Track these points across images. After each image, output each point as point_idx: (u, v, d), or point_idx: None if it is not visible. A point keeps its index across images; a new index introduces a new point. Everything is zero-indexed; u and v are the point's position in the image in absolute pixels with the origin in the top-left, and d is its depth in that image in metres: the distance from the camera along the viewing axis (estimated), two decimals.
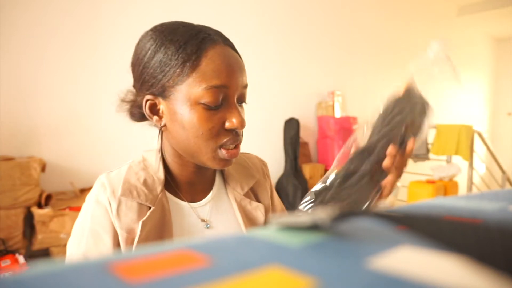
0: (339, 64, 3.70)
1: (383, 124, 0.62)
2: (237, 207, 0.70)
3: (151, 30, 0.62)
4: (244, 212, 0.70)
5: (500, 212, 0.27)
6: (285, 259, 0.16)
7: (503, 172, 3.75)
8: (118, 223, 0.60)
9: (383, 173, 0.62)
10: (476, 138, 3.34)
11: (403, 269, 0.15)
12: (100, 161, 2.26)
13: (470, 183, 3.36)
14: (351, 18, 3.78)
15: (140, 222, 0.60)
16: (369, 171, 0.61)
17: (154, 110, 0.63)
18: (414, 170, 3.65)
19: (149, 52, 0.60)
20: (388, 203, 0.63)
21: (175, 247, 0.18)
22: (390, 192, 0.63)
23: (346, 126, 3.23)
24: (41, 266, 0.15)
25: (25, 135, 2.10)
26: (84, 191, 2.12)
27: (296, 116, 3.22)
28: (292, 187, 2.99)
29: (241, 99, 0.64)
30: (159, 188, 0.65)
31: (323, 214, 0.20)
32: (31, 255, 1.94)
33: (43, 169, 2.04)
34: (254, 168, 0.78)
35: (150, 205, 0.62)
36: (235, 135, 0.62)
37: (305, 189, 3.00)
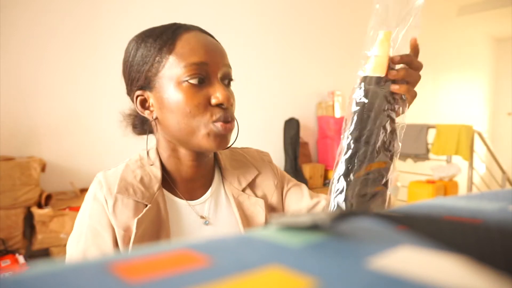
0: (339, 64, 3.70)
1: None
2: (235, 203, 0.70)
3: (133, 37, 0.67)
4: (242, 208, 0.70)
5: (500, 212, 0.27)
6: (285, 259, 0.16)
7: (503, 172, 3.75)
8: (114, 221, 0.61)
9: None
10: (476, 138, 3.34)
11: (403, 269, 0.15)
12: (100, 161, 2.26)
13: (470, 183, 3.36)
14: (351, 18, 3.78)
15: (136, 220, 0.60)
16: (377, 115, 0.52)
17: (144, 105, 0.66)
18: (414, 170, 3.65)
19: (132, 51, 0.64)
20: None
21: (175, 247, 0.18)
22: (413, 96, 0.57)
23: None
24: (41, 266, 0.15)
25: (25, 135, 2.10)
26: (84, 191, 2.12)
27: (296, 116, 3.22)
28: None
29: (227, 78, 0.65)
30: (155, 186, 0.65)
31: (323, 214, 0.20)
32: (31, 255, 1.94)
33: (43, 169, 2.04)
34: (253, 162, 0.77)
35: (146, 203, 0.63)
36: (225, 111, 0.62)
37: None
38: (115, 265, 0.15)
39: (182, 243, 0.19)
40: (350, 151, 0.51)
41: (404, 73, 0.55)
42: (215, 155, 0.75)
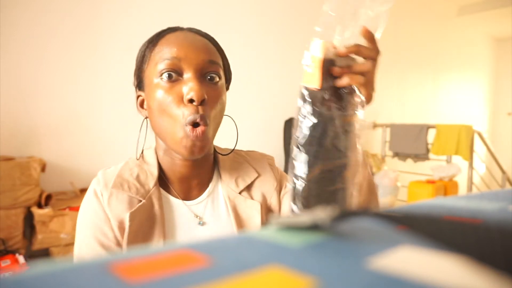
0: None
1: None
2: (230, 205, 0.69)
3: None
4: (237, 211, 0.69)
5: (500, 212, 0.27)
6: (285, 259, 0.16)
7: (503, 172, 3.75)
8: (110, 213, 0.62)
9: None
10: (476, 138, 3.34)
11: (403, 269, 0.15)
12: (100, 161, 2.26)
13: (470, 183, 3.36)
14: None
15: (128, 214, 0.62)
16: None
17: (142, 104, 0.68)
18: (414, 170, 3.65)
19: (138, 56, 0.67)
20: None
21: (175, 247, 0.18)
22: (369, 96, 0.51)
23: None
24: (41, 266, 0.15)
25: (25, 135, 2.10)
26: (84, 191, 2.12)
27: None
28: None
29: (207, 73, 0.62)
30: (151, 183, 0.66)
31: (323, 214, 0.20)
32: (31, 255, 1.94)
33: (43, 169, 2.04)
34: (254, 164, 0.76)
35: (140, 199, 0.64)
36: (196, 110, 0.59)
37: None
38: (115, 265, 0.15)
39: (182, 243, 0.19)
40: (300, 155, 0.50)
41: (350, 66, 0.49)
42: (215, 156, 0.75)
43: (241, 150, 0.79)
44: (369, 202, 0.60)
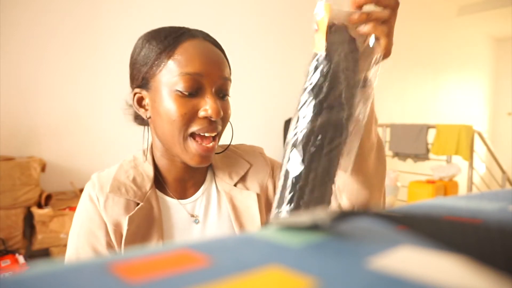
0: None
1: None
2: (227, 198, 0.70)
3: (144, 33, 0.67)
4: (234, 203, 0.70)
5: (500, 212, 0.27)
6: (285, 259, 0.16)
7: (503, 172, 3.74)
8: (106, 216, 0.62)
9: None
10: (476, 138, 3.34)
11: (403, 269, 0.15)
12: (100, 161, 2.26)
13: (470, 183, 3.36)
14: None
15: (127, 217, 0.62)
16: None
17: (141, 103, 0.67)
18: (414, 170, 3.65)
19: (137, 50, 0.65)
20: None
21: (175, 247, 0.18)
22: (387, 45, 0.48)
23: None
24: (41, 266, 0.15)
25: (25, 135, 2.10)
26: None
27: None
28: None
29: (222, 91, 0.64)
30: (148, 185, 0.66)
31: (323, 214, 0.20)
32: (31, 255, 1.94)
33: (43, 169, 2.04)
34: (244, 156, 0.77)
35: (138, 201, 0.64)
36: (210, 124, 0.62)
37: None
38: (115, 265, 0.15)
39: (182, 243, 0.19)
40: (309, 100, 0.46)
41: (370, 14, 0.46)
42: None
43: (230, 145, 0.80)
44: (376, 172, 0.58)
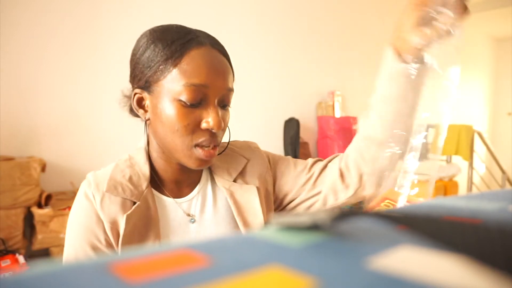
0: (339, 64, 3.70)
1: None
2: (228, 194, 0.70)
3: (148, 30, 0.66)
4: (235, 198, 0.71)
5: (500, 212, 0.27)
6: (285, 259, 0.16)
7: (503, 172, 3.75)
8: (102, 214, 0.62)
9: None
10: (476, 138, 3.34)
11: (403, 269, 0.15)
12: (100, 161, 2.25)
13: (470, 183, 3.36)
14: (351, 18, 3.78)
15: (125, 216, 0.62)
16: None
17: (140, 104, 0.66)
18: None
19: (141, 49, 0.64)
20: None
21: (175, 247, 0.18)
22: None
23: (346, 126, 3.23)
24: (41, 266, 0.15)
25: (25, 135, 2.10)
26: None
27: (296, 116, 3.22)
28: None
29: (224, 102, 0.64)
30: (144, 184, 0.66)
31: (323, 214, 0.20)
32: (31, 255, 1.94)
33: (43, 169, 2.04)
34: (240, 151, 0.77)
35: (135, 200, 0.64)
36: (211, 136, 0.62)
37: None
38: (115, 265, 0.15)
39: (182, 243, 0.19)
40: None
41: None
42: None
43: (224, 142, 0.80)
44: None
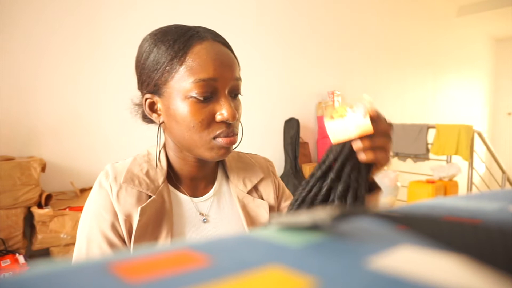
0: (339, 64, 3.70)
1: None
2: (239, 205, 0.71)
3: (148, 34, 0.66)
4: (247, 210, 0.72)
5: (500, 212, 0.27)
6: (285, 259, 0.16)
7: (503, 172, 3.74)
8: (117, 206, 0.63)
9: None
10: (476, 138, 3.34)
11: (403, 269, 0.15)
12: (100, 161, 2.25)
13: (470, 183, 3.36)
14: (351, 18, 3.78)
15: (139, 208, 0.63)
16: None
17: (153, 108, 0.67)
18: (414, 170, 3.65)
19: (145, 54, 0.64)
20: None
21: (174, 247, 0.18)
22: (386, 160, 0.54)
23: None
24: (41, 266, 0.15)
25: (25, 135, 2.10)
26: (84, 191, 2.12)
27: (296, 116, 3.22)
28: (292, 187, 2.99)
29: (234, 91, 0.65)
30: (161, 179, 0.67)
31: (323, 214, 0.20)
32: (31, 255, 1.94)
33: (43, 169, 2.04)
34: (258, 166, 0.79)
35: (150, 194, 0.65)
36: (227, 127, 0.63)
37: None
38: (115, 265, 0.15)
39: (182, 243, 0.19)
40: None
41: (371, 141, 0.51)
42: None
43: (245, 153, 0.82)
44: None
